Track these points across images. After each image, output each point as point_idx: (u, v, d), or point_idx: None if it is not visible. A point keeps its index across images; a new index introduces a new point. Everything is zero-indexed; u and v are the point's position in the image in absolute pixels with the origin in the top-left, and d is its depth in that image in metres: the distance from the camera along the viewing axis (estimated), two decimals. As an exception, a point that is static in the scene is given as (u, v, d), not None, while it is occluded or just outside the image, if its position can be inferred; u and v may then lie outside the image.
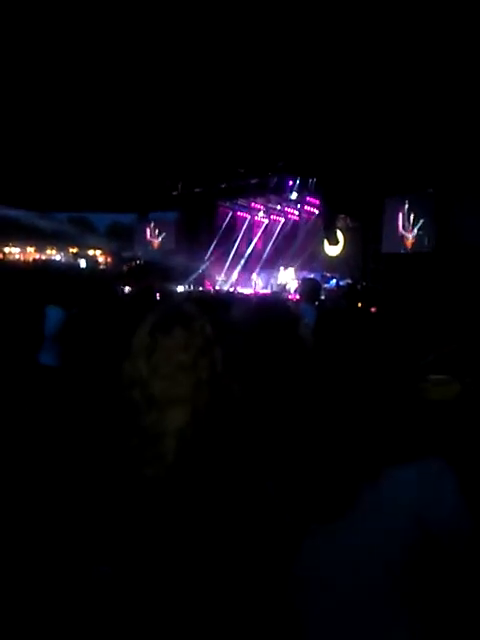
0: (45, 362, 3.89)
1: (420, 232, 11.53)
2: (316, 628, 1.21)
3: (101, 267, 19.27)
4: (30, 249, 21.15)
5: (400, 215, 11.99)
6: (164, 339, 1.39)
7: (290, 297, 10.54)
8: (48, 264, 17.51)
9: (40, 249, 21.39)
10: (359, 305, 8.78)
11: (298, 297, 6.53)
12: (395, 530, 1.12)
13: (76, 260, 20.19)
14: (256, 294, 11.71)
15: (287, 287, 13.39)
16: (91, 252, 20.79)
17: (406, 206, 11.84)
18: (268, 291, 13.54)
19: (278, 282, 14.13)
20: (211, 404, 1.36)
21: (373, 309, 6.47)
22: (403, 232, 11.92)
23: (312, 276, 10.13)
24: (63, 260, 20.79)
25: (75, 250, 21.11)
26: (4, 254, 20.24)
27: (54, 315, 4.01)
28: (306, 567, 1.21)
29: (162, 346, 1.38)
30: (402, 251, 11.89)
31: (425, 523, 1.10)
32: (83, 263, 19.61)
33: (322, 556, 1.20)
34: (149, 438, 1.32)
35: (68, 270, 15.47)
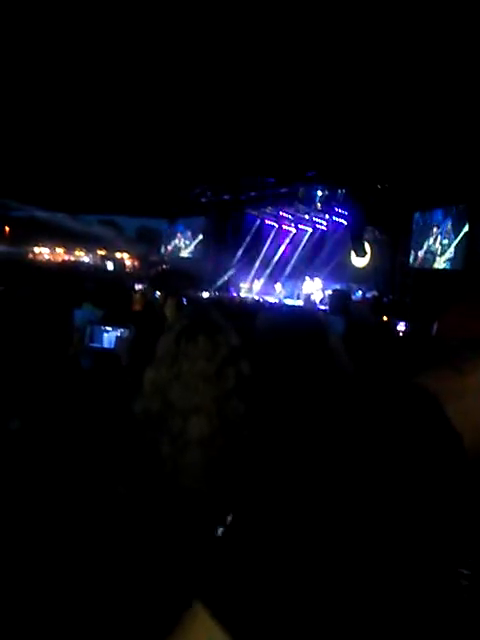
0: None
1: (451, 247, 11.38)
2: None
3: (128, 270, 19.44)
4: (59, 250, 21.45)
5: (430, 229, 11.88)
6: (187, 347, 1.38)
7: (317, 307, 10.50)
8: (78, 265, 17.73)
9: (69, 250, 21.68)
10: (385, 318, 8.71)
11: (326, 308, 6.50)
12: None
13: (104, 262, 20.42)
14: (281, 303, 11.70)
15: (312, 297, 13.34)
16: (119, 255, 21.00)
17: (437, 220, 11.72)
18: (293, 301, 13.49)
19: (303, 292, 14.10)
20: (242, 414, 1.33)
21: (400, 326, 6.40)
22: (433, 246, 11.80)
23: (338, 287, 10.08)
24: (91, 262, 21.03)
25: (103, 252, 21.36)
26: (34, 254, 20.56)
27: (89, 315, 4.03)
28: None
29: (185, 354, 1.37)
30: (432, 266, 11.75)
31: None
32: (111, 265, 19.81)
33: None
34: (178, 447, 1.32)
35: (97, 271, 15.64)
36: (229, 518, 0.84)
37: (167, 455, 1.33)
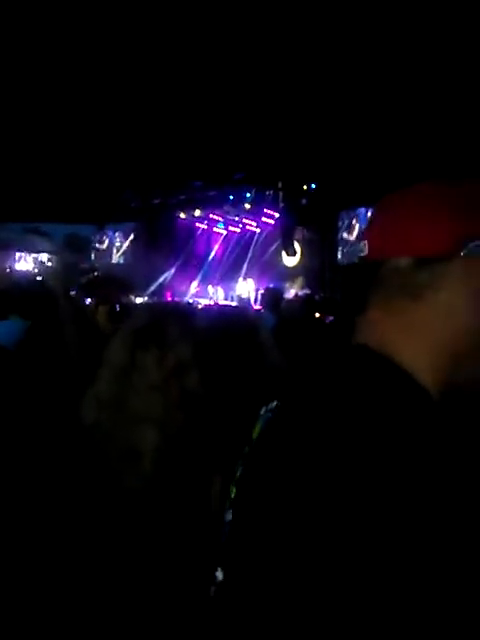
0: None
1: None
2: None
3: (57, 279, 18.87)
4: (-18, 260, 20.61)
5: (356, 227, 12.24)
6: (138, 356, 1.37)
7: (251, 307, 10.60)
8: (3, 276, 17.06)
9: (-7, 260, 20.87)
10: (317, 315, 8.90)
11: (259, 306, 6.60)
12: None
13: (31, 272, 19.79)
14: (216, 305, 11.73)
15: (245, 297, 13.46)
16: (47, 264, 20.40)
17: (361, 218, 12.09)
18: (228, 302, 13.57)
19: (237, 293, 14.20)
20: (184, 427, 1.33)
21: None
22: (359, 244, 12.16)
23: (271, 286, 10.22)
24: (18, 271, 20.32)
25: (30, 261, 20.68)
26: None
27: (14, 327, 3.89)
28: None
29: (137, 363, 1.36)
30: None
31: None
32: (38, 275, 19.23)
33: None
34: (125, 453, 1.31)
35: (25, 280, 15.11)
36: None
37: (114, 459, 1.32)
